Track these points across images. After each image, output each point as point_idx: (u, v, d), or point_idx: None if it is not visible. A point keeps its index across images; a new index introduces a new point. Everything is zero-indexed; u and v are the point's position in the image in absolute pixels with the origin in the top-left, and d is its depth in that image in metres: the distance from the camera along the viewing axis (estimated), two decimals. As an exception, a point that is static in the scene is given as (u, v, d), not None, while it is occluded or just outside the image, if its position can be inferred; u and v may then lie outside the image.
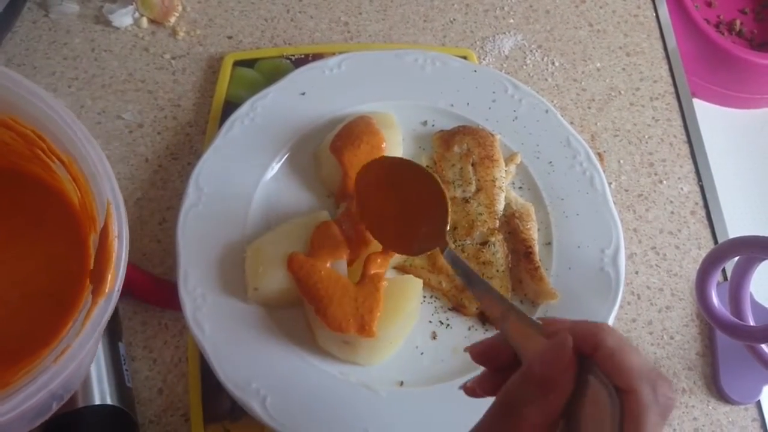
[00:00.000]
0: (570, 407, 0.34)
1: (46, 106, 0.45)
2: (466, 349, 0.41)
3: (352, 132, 0.62)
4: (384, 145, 0.62)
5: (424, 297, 0.60)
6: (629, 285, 0.65)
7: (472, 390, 0.40)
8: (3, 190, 0.53)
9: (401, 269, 0.61)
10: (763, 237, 0.52)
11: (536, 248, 0.61)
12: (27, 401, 0.39)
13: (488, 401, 0.54)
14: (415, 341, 0.58)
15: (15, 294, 0.49)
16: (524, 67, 0.77)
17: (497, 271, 0.59)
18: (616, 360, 0.33)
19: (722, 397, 0.61)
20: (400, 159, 0.57)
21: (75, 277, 0.49)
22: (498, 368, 0.40)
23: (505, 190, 0.63)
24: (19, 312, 0.49)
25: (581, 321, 0.37)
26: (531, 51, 0.78)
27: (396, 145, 0.64)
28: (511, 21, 0.80)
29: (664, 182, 0.71)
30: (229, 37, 0.76)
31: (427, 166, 0.65)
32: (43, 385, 0.39)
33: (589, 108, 0.75)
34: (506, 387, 0.35)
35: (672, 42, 0.81)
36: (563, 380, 0.34)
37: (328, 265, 0.56)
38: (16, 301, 0.49)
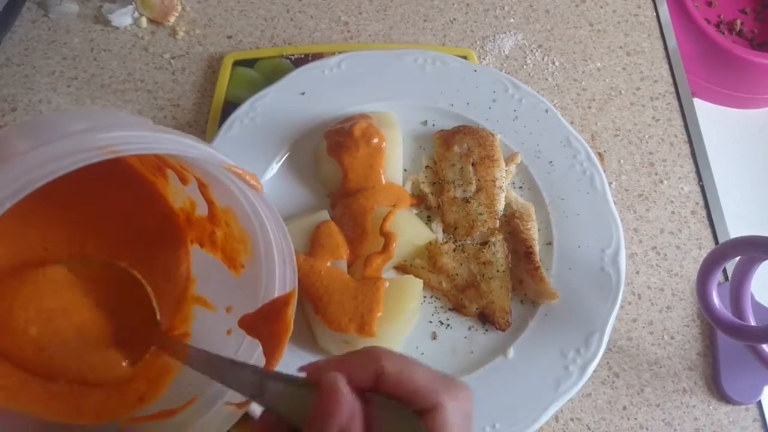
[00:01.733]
0: None
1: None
2: None
3: (351, 132, 0.61)
4: (384, 145, 0.62)
5: (425, 297, 0.60)
6: (630, 285, 0.65)
7: None
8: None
9: (401, 269, 0.61)
10: (764, 237, 0.52)
11: (536, 248, 0.61)
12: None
13: (489, 393, 0.54)
14: (415, 341, 0.58)
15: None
16: (524, 66, 0.77)
17: (497, 271, 0.59)
18: (404, 382, 0.30)
19: (723, 397, 0.60)
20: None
21: (170, 287, 0.50)
22: None
23: (506, 190, 0.63)
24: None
25: (350, 354, 0.32)
26: (531, 50, 0.78)
27: (396, 145, 0.64)
28: (512, 21, 0.80)
29: (665, 182, 0.71)
30: (229, 37, 0.76)
31: (427, 166, 0.65)
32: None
33: (590, 108, 0.75)
34: None
35: (672, 42, 0.81)
36: (353, 426, 0.29)
37: (328, 264, 0.56)
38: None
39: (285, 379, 0.33)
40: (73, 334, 0.45)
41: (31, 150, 0.32)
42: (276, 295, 0.47)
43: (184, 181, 0.48)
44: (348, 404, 0.30)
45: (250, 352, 0.47)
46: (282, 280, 0.47)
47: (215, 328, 0.49)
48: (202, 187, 0.47)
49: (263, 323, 0.46)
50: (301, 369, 0.33)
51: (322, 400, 0.30)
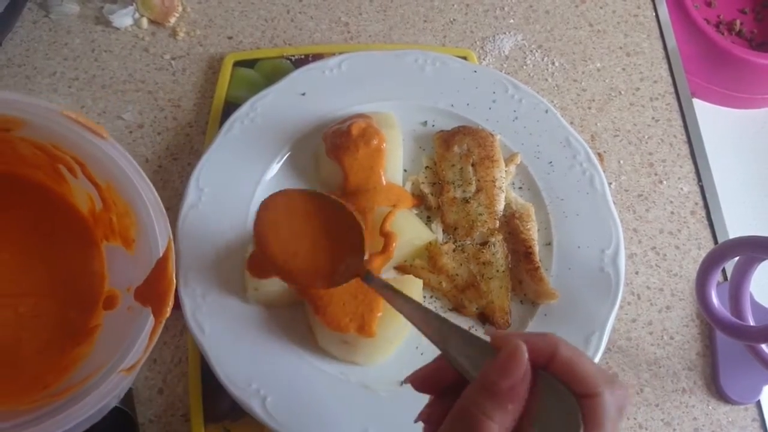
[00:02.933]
0: (527, 416, 0.33)
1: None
2: (405, 380, 0.40)
3: (350, 132, 0.62)
4: (384, 145, 0.62)
5: (425, 297, 0.60)
6: (629, 285, 0.65)
7: (426, 419, 0.39)
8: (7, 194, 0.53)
9: (401, 269, 0.61)
10: (763, 237, 0.52)
11: (536, 248, 0.61)
12: (96, 404, 0.43)
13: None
14: (414, 341, 0.58)
15: (29, 302, 0.51)
16: (524, 67, 0.77)
17: (497, 271, 0.59)
18: (574, 368, 0.33)
19: (722, 397, 0.61)
20: (306, 192, 0.52)
21: (88, 290, 0.52)
22: (442, 394, 0.38)
23: (505, 191, 0.63)
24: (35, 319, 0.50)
25: (532, 334, 0.36)
26: (531, 51, 0.78)
27: (396, 146, 0.64)
28: (511, 21, 0.80)
29: (664, 182, 0.71)
30: (229, 38, 0.76)
31: (427, 166, 0.65)
32: (112, 389, 0.44)
33: (589, 108, 0.75)
34: (462, 399, 0.34)
35: (672, 42, 0.81)
36: (521, 388, 0.33)
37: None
38: (30, 308, 0.51)
39: (467, 337, 0.37)
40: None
41: None
42: (161, 254, 0.48)
43: (72, 171, 0.50)
44: (524, 368, 0.33)
45: (145, 321, 0.47)
46: (162, 235, 0.48)
47: (119, 311, 0.51)
48: (83, 167, 0.49)
49: (151, 288, 0.48)
50: (487, 332, 0.37)
51: (504, 357, 0.33)
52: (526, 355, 0.33)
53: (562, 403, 0.32)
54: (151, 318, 0.47)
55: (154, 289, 0.47)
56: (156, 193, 0.48)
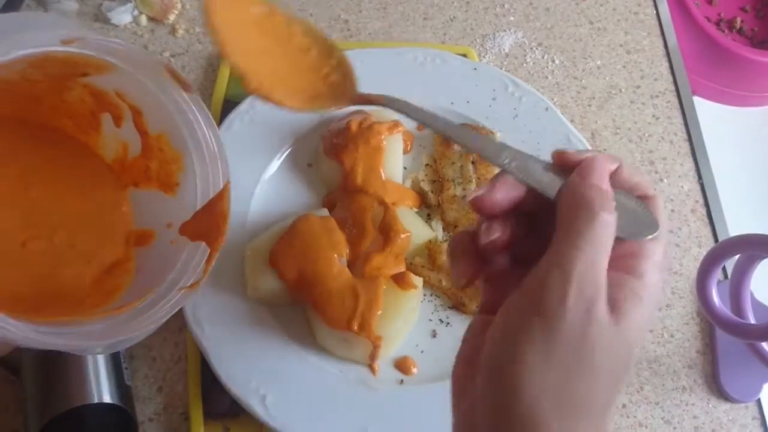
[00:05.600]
0: None
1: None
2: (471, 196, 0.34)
3: (348, 128, 0.61)
4: (384, 143, 0.62)
5: (424, 295, 0.60)
6: (629, 283, 0.65)
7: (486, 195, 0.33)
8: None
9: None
10: (764, 235, 0.52)
11: (536, 246, 0.61)
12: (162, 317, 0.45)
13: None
14: (415, 339, 0.58)
15: (62, 234, 0.52)
16: (524, 64, 0.77)
17: (497, 269, 0.59)
18: (635, 175, 0.34)
19: (722, 395, 0.60)
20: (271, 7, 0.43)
21: (116, 226, 0.54)
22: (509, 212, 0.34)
23: (505, 188, 0.63)
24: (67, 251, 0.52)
25: (587, 150, 0.36)
26: (531, 49, 0.78)
27: (396, 143, 0.64)
28: (512, 18, 0.80)
29: (665, 180, 0.71)
30: (229, 35, 0.76)
31: (427, 164, 0.65)
32: (175, 304, 0.46)
33: (590, 106, 0.75)
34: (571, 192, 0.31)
35: (672, 40, 0.81)
36: (604, 183, 0.32)
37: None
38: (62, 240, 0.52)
39: (535, 159, 0.34)
40: None
41: None
42: (211, 195, 0.50)
43: (118, 120, 0.51)
44: (606, 170, 0.33)
45: (194, 251, 0.49)
46: (215, 180, 0.50)
47: (158, 245, 0.52)
48: (137, 116, 0.50)
49: (200, 223, 0.50)
50: (556, 152, 0.34)
51: (588, 162, 0.32)
52: (605, 162, 0.33)
53: (631, 201, 0.34)
54: (204, 245, 0.48)
55: (203, 224, 0.49)
56: (221, 141, 0.50)
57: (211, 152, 0.50)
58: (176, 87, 0.49)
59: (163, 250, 0.51)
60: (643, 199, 0.34)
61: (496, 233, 0.33)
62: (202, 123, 0.50)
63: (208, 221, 0.49)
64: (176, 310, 0.46)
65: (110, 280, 0.51)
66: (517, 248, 0.34)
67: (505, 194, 0.33)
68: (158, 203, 0.53)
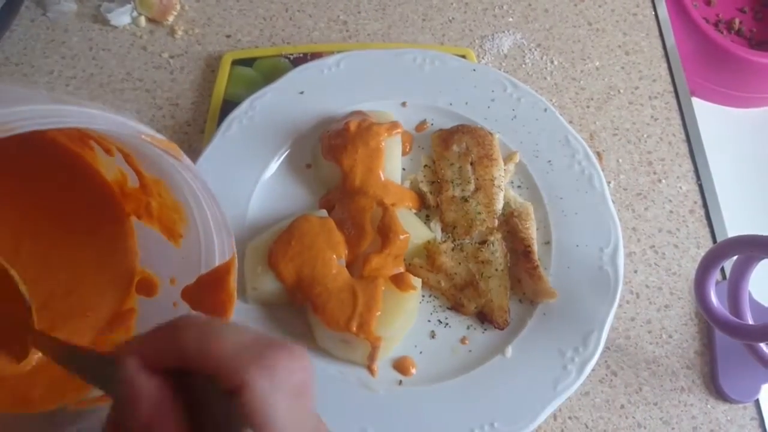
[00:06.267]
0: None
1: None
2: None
3: (347, 129, 0.61)
4: (383, 144, 0.62)
5: (423, 296, 0.60)
6: (628, 284, 0.65)
7: None
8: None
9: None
10: (762, 236, 0.52)
11: (535, 247, 0.61)
12: None
13: (488, 392, 0.54)
14: (413, 340, 0.58)
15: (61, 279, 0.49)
16: (523, 65, 0.77)
17: (496, 270, 0.59)
18: (204, 357, 0.25)
19: (721, 395, 0.61)
20: None
21: (119, 265, 0.50)
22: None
23: (504, 189, 0.63)
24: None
25: (152, 330, 0.27)
26: (530, 50, 0.78)
27: (395, 145, 0.64)
28: (510, 20, 0.80)
29: (663, 181, 0.71)
30: (228, 36, 0.76)
31: (426, 165, 0.65)
32: None
33: (588, 107, 0.75)
34: None
35: (671, 41, 0.81)
36: (160, 418, 0.24)
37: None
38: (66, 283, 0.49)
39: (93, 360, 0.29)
40: None
41: None
42: (216, 263, 0.46)
43: (108, 152, 0.47)
44: (146, 394, 0.25)
45: None
46: (221, 249, 0.47)
47: (161, 302, 0.49)
48: (127, 158, 0.47)
49: (205, 294, 0.46)
50: (116, 349, 0.27)
51: (119, 391, 0.25)
52: (142, 377, 0.25)
53: (222, 408, 0.25)
54: None
55: (210, 297, 0.46)
56: (223, 211, 0.46)
57: (216, 220, 0.46)
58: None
59: (165, 312, 0.48)
60: (233, 393, 0.25)
61: None
62: (201, 196, 0.45)
63: (213, 297, 0.46)
64: None
65: (109, 338, 0.48)
66: None
67: None
68: (163, 248, 0.49)
